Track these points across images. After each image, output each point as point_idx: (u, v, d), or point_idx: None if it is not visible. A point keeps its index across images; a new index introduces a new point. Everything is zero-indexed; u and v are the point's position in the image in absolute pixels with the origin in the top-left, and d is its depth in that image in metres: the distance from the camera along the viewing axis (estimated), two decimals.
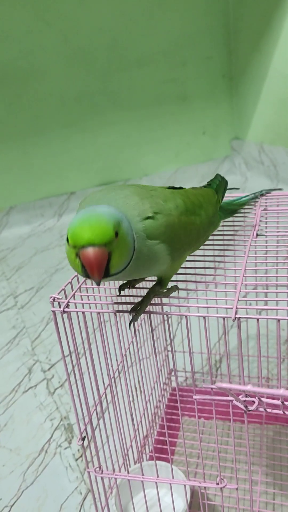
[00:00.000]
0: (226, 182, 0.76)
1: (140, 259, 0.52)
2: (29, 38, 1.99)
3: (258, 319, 0.50)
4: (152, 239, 0.52)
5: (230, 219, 0.79)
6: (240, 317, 0.50)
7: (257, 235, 0.69)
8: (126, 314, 0.80)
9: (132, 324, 0.57)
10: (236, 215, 0.80)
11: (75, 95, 2.15)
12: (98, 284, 0.49)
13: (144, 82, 2.24)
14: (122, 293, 0.61)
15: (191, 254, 0.66)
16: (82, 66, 2.12)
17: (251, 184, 2.33)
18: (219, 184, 0.72)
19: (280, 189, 0.87)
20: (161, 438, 0.91)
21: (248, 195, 0.83)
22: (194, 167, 2.49)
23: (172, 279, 0.62)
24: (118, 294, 0.61)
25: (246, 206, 0.82)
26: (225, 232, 0.75)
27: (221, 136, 2.52)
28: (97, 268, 0.47)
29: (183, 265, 0.67)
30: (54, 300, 0.58)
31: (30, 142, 2.14)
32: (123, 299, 0.59)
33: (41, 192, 2.23)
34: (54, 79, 2.09)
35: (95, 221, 0.47)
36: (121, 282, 0.64)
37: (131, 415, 0.64)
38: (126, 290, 0.64)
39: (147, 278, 0.67)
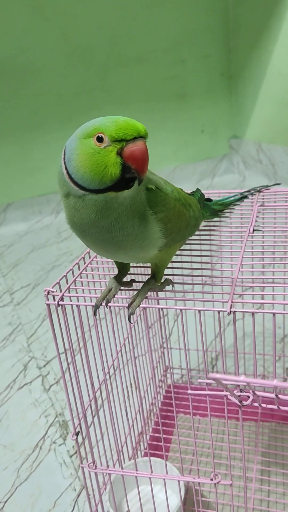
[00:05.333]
0: (204, 197, 0.74)
1: (135, 216, 0.49)
2: (28, 34, 1.98)
3: (253, 313, 0.50)
4: (151, 209, 0.51)
5: (227, 214, 0.78)
6: (235, 311, 0.49)
7: (254, 230, 0.68)
8: (121, 312, 0.79)
9: (130, 318, 0.56)
10: (229, 212, 0.78)
11: (73, 91, 2.14)
12: (141, 182, 0.46)
13: (142, 79, 2.24)
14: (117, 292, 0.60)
15: (185, 249, 0.65)
16: (81, 62, 2.11)
17: (249, 183, 2.33)
18: (200, 197, 0.71)
19: (269, 186, 0.85)
20: (156, 435, 0.90)
21: (235, 195, 0.81)
22: (192, 165, 2.49)
23: (168, 274, 0.61)
24: (94, 314, 0.57)
25: (243, 203, 0.81)
26: (222, 228, 0.75)
27: (220, 135, 2.52)
28: (147, 160, 0.45)
29: (179, 259, 0.66)
30: (48, 293, 0.57)
31: (27, 138, 2.13)
32: (118, 293, 0.59)
33: (38, 189, 2.22)
34: (53, 75, 2.08)
35: (129, 119, 0.46)
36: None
37: (126, 411, 0.64)
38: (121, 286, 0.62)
39: (138, 279, 0.66)
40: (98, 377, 0.68)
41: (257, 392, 0.47)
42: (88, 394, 0.65)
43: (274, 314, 0.49)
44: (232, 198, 0.79)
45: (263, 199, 0.82)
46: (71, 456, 0.93)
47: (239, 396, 0.52)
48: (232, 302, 0.50)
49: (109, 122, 0.45)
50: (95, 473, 0.66)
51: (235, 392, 0.52)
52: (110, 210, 0.47)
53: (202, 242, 0.71)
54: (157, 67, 2.25)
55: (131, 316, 0.55)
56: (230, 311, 0.49)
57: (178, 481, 0.64)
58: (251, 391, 0.47)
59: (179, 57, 2.28)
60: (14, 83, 2.03)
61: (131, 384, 0.86)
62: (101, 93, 2.19)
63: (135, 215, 0.49)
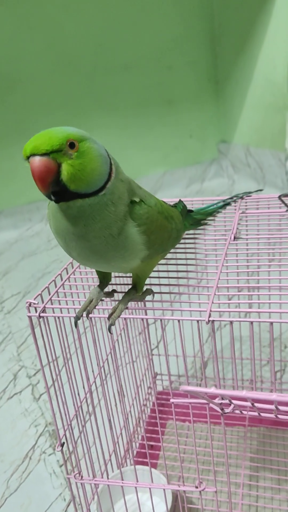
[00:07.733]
0: (186, 208, 0.74)
1: (111, 227, 0.50)
2: (14, 44, 1.98)
3: (231, 322, 0.50)
4: (133, 221, 0.52)
5: (209, 222, 0.79)
6: (214, 320, 0.50)
7: (235, 238, 0.69)
8: (104, 322, 0.79)
9: (110, 329, 0.56)
10: (212, 219, 0.79)
11: (61, 99, 2.15)
12: (49, 198, 0.46)
13: (130, 86, 2.25)
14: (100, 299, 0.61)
15: (167, 258, 0.66)
16: (68, 71, 2.12)
17: (239, 187, 2.34)
18: (183, 209, 0.71)
19: (251, 192, 0.86)
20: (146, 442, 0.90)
21: (218, 203, 0.81)
22: (182, 170, 2.50)
23: (149, 283, 0.62)
24: (75, 325, 0.58)
25: (228, 210, 0.82)
26: (205, 236, 0.75)
27: (208, 139, 2.54)
28: (38, 178, 0.45)
29: (160, 269, 0.67)
30: (30, 305, 0.58)
31: (16, 145, 2.13)
32: (100, 304, 0.59)
33: (28, 197, 2.22)
34: (40, 83, 2.09)
35: (46, 132, 0.46)
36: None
37: (111, 421, 0.64)
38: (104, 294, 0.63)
39: (119, 286, 0.67)
40: (84, 388, 0.69)
41: (233, 401, 0.47)
42: (74, 405, 0.65)
43: (251, 322, 0.49)
44: (215, 206, 0.80)
45: (245, 206, 0.82)
46: (60, 466, 0.93)
47: (221, 404, 0.52)
48: (210, 311, 0.51)
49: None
50: (82, 484, 0.66)
51: (216, 400, 0.52)
52: (74, 218, 0.49)
53: (180, 251, 0.71)
54: (144, 73, 2.26)
55: (111, 327, 0.55)
56: (209, 321, 0.50)
57: (164, 489, 0.64)
58: (228, 400, 0.48)
59: (165, 63, 2.29)
60: (0, 92, 2.03)
61: (118, 393, 0.86)
62: (88, 101, 2.20)
63: (112, 225, 0.50)
